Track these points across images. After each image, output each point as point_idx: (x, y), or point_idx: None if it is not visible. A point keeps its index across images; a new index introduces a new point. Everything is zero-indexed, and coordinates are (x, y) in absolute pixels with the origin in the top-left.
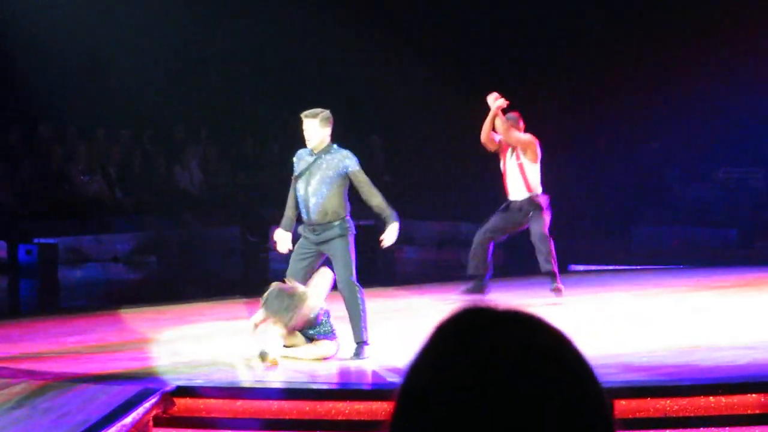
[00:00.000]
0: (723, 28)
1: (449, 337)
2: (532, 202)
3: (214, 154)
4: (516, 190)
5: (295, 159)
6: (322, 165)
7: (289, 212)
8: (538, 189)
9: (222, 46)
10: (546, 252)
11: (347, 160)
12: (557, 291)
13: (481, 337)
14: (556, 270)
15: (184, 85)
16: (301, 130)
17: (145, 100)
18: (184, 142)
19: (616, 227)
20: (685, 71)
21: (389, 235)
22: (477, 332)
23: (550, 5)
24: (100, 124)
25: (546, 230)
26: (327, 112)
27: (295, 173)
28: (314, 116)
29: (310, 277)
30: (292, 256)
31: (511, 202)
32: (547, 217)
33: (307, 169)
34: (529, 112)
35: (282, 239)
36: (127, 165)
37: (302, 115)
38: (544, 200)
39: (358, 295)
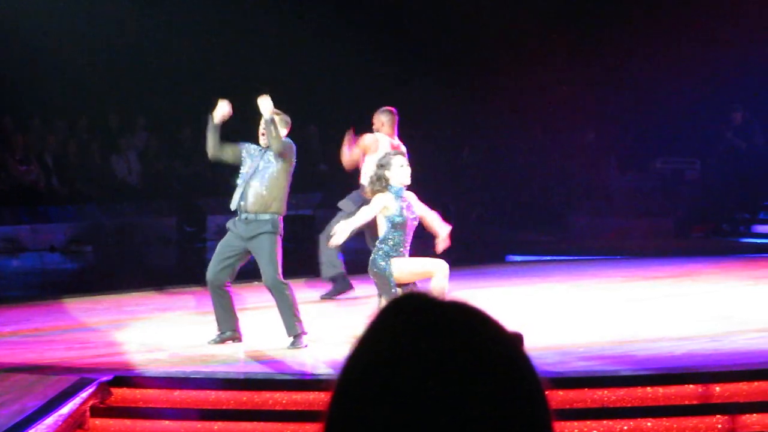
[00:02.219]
0: (661, 18)
1: (387, 329)
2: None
3: (152, 143)
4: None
5: (244, 152)
6: (269, 159)
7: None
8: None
9: (158, 35)
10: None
11: None
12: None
13: (420, 328)
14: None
15: (120, 73)
16: (257, 128)
17: (81, 89)
18: (120, 130)
19: (553, 218)
20: (621, 61)
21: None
22: (415, 324)
23: None
24: (35, 113)
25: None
26: (288, 117)
27: (242, 167)
28: (276, 115)
29: (230, 277)
30: (216, 253)
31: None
32: None
33: (254, 164)
34: (466, 102)
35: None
36: (63, 154)
37: None
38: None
39: (287, 292)
